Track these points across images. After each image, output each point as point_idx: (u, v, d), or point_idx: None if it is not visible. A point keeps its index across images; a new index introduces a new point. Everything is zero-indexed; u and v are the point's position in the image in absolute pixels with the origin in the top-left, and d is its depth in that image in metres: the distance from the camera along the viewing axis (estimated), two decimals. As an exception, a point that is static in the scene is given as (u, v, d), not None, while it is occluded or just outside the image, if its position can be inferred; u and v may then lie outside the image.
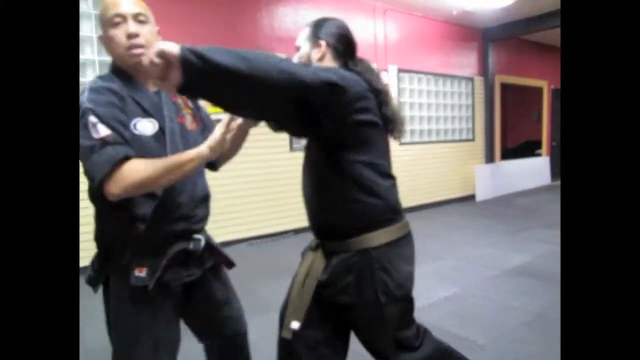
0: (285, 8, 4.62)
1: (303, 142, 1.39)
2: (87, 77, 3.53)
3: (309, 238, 1.40)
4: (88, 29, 3.51)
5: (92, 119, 1.02)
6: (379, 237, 1.21)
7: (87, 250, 1.27)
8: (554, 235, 4.21)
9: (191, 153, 1.08)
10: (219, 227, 4.17)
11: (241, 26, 4.31)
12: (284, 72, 0.97)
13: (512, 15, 6.10)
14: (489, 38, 6.81)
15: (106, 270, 1.16)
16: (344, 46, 1.33)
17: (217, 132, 1.10)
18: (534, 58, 7.94)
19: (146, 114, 1.14)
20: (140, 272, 1.11)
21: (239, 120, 1.21)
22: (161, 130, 1.15)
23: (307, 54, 1.33)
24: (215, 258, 1.32)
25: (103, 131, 1.02)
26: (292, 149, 4.66)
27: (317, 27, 1.35)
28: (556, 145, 8.57)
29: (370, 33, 5.32)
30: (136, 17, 1.13)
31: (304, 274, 1.30)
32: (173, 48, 0.85)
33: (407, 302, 1.35)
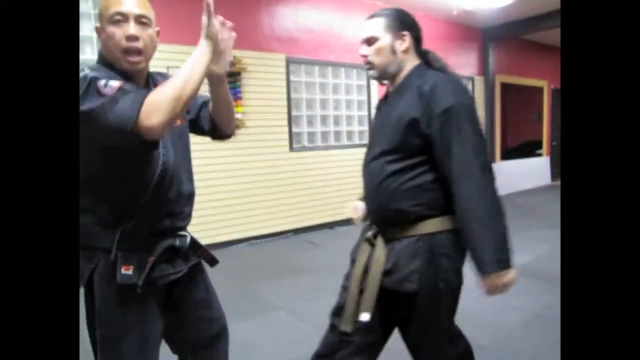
0: (285, 8, 4.62)
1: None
2: (87, 77, 3.53)
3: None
4: (88, 29, 3.51)
5: (102, 82, 0.99)
6: (443, 223, 1.25)
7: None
8: (554, 235, 4.21)
9: (193, 55, 1.05)
10: (219, 227, 4.17)
11: (241, 26, 4.31)
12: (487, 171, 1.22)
13: (513, 15, 6.10)
14: (489, 38, 6.81)
15: (90, 267, 1.12)
16: (421, 38, 1.37)
17: (204, 19, 1.06)
18: (534, 58, 7.93)
19: None
20: (127, 270, 1.09)
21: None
22: None
23: (390, 46, 1.31)
24: (199, 255, 1.30)
25: (116, 84, 0.99)
26: (292, 149, 4.65)
27: (394, 17, 1.33)
28: (556, 145, 8.56)
29: (370, 33, 5.33)
30: (138, 19, 1.09)
31: (362, 265, 1.32)
32: (511, 278, 1.17)
33: (459, 293, 1.36)
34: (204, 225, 3.93)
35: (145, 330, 1.16)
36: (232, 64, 4.21)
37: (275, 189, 4.55)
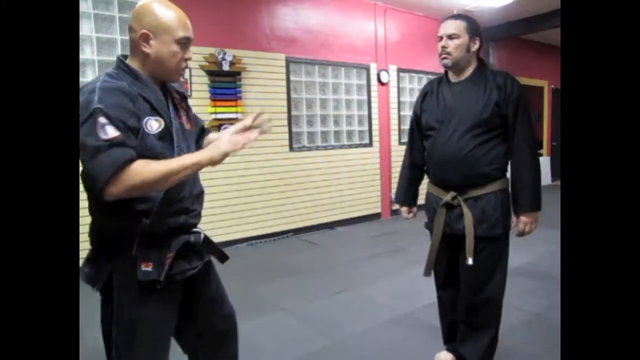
0: (285, 8, 4.62)
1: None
2: (87, 77, 3.52)
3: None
4: (88, 29, 3.51)
5: (102, 119, 1.01)
6: (506, 182, 1.71)
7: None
8: (554, 235, 4.19)
9: (192, 159, 1.09)
10: (219, 227, 4.17)
11: (241, 26, 4.31)
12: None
13: (513, 15, 6.10)
14: (489, 37, 6.80)
15: (111, 265, 1.14)
16: (482, 44, 1.73)
17: (223, 147, 1.09)
18: (534, 57, 7.93)
19: (154, 111, 1.15)
20: (147, 267, 1.12)
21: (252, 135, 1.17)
22: (166, 128, 1.16)
23: (467, 44, 1.66)
24: (211, 252, 1.33)
25: (111, 132, 1.01)
26: (292, 149, 4.65)
27: (472, 22, 1.68)
28: (556, 145, 8.57)
29: (370, 32, 5.32)
30: (190, 42, 1.21)
31: (442, 223, 1.71)
32: (538, 218, 1.68)
33: None
34: (204, 225, 3.90)
35: (160, 327, 1.19)
36: (232, 63, 4.22)
37: (275, 189, 4.55)
